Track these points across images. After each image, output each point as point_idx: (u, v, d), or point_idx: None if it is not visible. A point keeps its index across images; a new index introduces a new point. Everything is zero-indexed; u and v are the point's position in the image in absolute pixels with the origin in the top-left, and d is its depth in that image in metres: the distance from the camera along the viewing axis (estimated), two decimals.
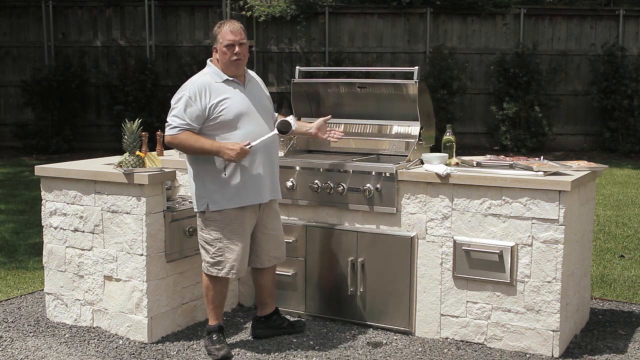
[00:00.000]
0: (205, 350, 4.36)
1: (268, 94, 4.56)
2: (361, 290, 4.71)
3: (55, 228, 4.78)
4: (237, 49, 4.25)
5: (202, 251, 4.37)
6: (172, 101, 4.27)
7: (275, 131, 4.30)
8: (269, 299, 4.62)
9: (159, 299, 4.55)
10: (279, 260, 4.58)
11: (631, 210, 8.70)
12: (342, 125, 5.28)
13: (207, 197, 4.26)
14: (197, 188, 4.30)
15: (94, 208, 4.60)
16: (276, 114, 4.60)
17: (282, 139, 5.20)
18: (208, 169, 4.26)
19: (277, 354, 4.35)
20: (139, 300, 4.49)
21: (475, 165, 4.62)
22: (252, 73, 4.53)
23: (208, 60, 4.39)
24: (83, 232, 4.66)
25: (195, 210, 4.33)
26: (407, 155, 4.81)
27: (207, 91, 4.22)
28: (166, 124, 4.26)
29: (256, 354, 4.35)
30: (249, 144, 4.17)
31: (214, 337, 4.35)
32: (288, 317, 4.79)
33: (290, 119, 4.34)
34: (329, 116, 4.73)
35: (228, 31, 4.25)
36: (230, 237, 4.27)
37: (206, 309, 4.46)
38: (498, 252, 4.30)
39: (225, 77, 4.29)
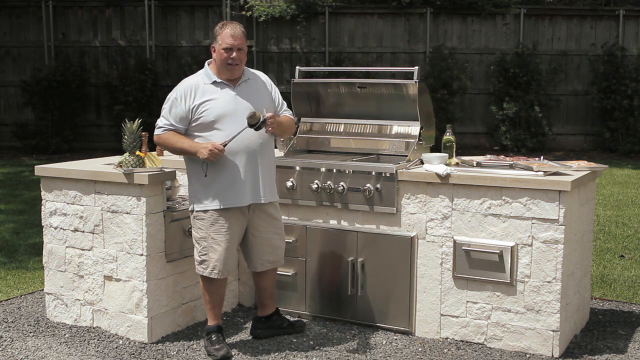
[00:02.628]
0: (205, 351, 4.36)
1: (273, 94, 4.49)
2: (361, 290, 4.71)
3: (55, 228, 4.78)
4: (234, 54, 4.23)
5: (194, 249, 4.41)
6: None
7: (245, 125, 4.17)
8: (269, 301, 4.62)
9: (159, 299, 4.55)
10: (274, 264, 4.53)
11: (631, 210, 8.70)
12: (342, 125, 5.29)
13: (194, 197, 4.32)
14: (189, 187, 4.39)
15: (94, 208, 4.60)
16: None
17: (282, 140, 5.20)
18: (194, 169, 4.31)
19: (277, 354, 4.35)
20: (139, 300, 4.49)
21: (475, 165, 4.62)
22: (256, 73, 4.51)
23: (206, 62, 4.41)
24: (83, 232, 4.66)
25: (189, 208, 4.40)
26: (407, 155, 4.81)
27: (192, 92, 4.26)
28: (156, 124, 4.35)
29: (256, 354, 4.35)
30: (224, 142, 4.16)
31: (213, 337, 4.35)
32: (288, 317, 4.79)
33: (260, 110, 4.20)
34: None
35: (229, 34, 4.24)
36: (214, 237, 4.28)
37: (206, 310, 4.46)
38: (498, 252, 4.30)
39: (215, 78, 4.30)
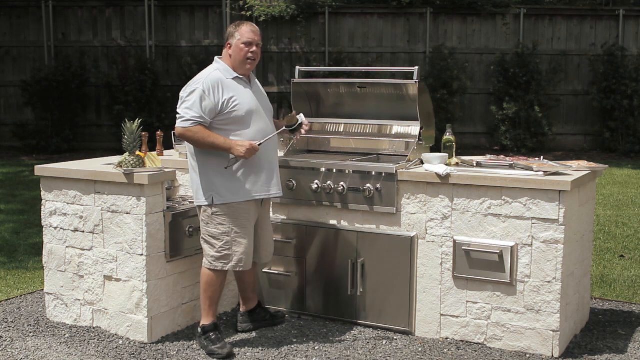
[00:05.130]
0: (205, 351, 4.34)
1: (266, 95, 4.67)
2: (361, 290, 4.71)
3: (55, 228, 4.78)
4: (254, 47, 4.34)
5: (205, 246, 4.38)
6: (183, 94, 4.28)
7: (284, 127, 4.44)
8: (252, 294, 4.73)
9: (159, 299, 4.55)
10: (271, 256, 4.69)
11: (631, 210, 8.70)
12: (342, 125, 5.29)
13: (213, 191, 4.29)
14: (202, 181, 4.31)
15: (94, 208, 4.60)
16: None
17: (282, 139, 5.21)
18: (213, 162, 4.28)
19: (277, 354, 4.35)
20: (139, 300, 4.49)
21: (475, 165, 4.62)
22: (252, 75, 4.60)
23: (216, 58, 4.42)
24: (83, 232, 4.66)
25: (199, 204, 4.34)
26: (407, 155, 4.81)
27: (219, 86, 4.26)
28: (177, 116, 4.26)
29: (256, 354, 4.34)
30: (259, 142, 4.26)
31: (212, 336, 4.36)
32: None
33: (300, 115, 4.48)
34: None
35: (249, 30, 4.34)
36: (238, 230, 4.32)
37: (203, 308, 4.44)
38: (498, 252, 4.30)
39: (235, 74, 4.35)
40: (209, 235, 4.34)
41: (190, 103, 4.22)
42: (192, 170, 4.38)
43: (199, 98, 4.20)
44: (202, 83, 4.24)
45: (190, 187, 4.56)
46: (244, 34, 4.32)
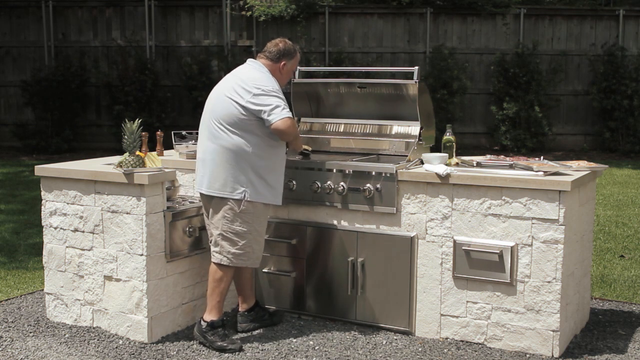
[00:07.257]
0: (212, 346, 4.34)
1: None
2: (361, 290, 4.71)
3: (55, 228, 4.78)
4: None
5: (224, 242, 4.39)
6: (262, 88, 4.31)
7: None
8: (250, 292, 4.77)
9: (159, 299, 4.55)
10: None
11: (631, 210, 8.71)
12: (342, 125, 5.29)
13: (248, 187, 4.35)
14: (240, 175, 4.34)
15: (94, 208, 4.60)
16: None
17: None
18: (260, 160, 4.36)
19: (277, 354, 4.35)
20: (139, 300, 4.49)
21: (475, 165, 4.62)
22: None
23: (259, 62, 4.49)
24: (83, 232, 4.66)
25: (229, 196, 4.34)
26: (407, 155, 4.81)
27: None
28: (272, 108, 4.27)
29: (256, 354, 4.34)
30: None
31: (221, 331, 4.38)
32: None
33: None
34: None
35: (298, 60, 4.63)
36: (258, 229, 4.45)
37: (211, 302, 4.44)
38: (498, 252, 4.30)
39: None
40: (231, 233, 4.38)
41: (279, 99, 4.32)
42: (226, 163, 4.34)
43: (280, 93, 4.38)
44: (272, 84, 4.37)
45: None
46: (296, 62, 4.60)
